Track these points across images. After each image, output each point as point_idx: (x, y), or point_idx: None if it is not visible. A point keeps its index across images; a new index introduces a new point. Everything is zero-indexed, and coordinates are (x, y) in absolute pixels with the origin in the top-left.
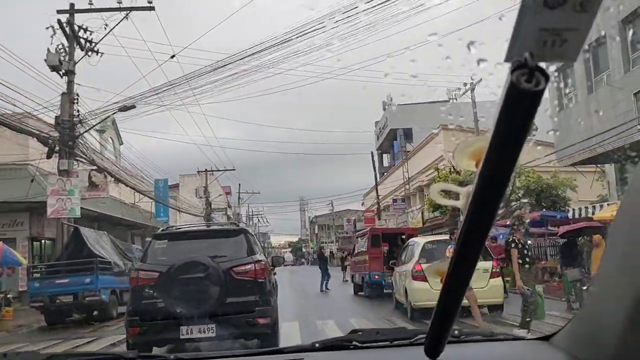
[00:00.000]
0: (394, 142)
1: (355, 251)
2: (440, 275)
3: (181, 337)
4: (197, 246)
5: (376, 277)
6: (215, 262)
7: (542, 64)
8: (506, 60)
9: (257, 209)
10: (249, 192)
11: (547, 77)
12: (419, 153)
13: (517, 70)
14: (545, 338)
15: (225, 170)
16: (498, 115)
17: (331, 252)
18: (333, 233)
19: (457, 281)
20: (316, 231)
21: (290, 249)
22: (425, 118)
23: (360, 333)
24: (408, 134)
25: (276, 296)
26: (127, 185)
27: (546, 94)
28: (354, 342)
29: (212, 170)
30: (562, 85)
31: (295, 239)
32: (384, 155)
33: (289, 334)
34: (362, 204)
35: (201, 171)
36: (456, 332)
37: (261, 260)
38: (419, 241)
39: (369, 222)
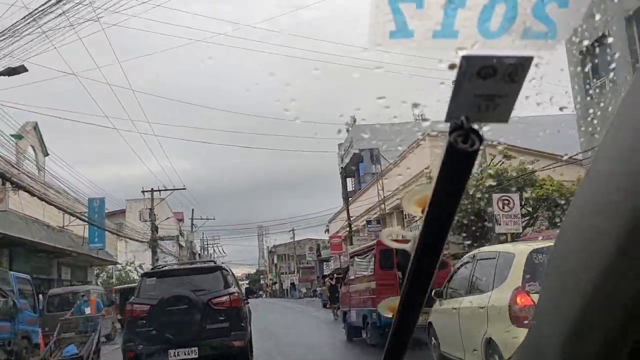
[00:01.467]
0: (359, 165)
1: (350, 277)
2: (393, 312)
3: (170, 359)
4: (181, 282)
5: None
6: (197, 295)
7: (477, 126)
8: (446, 121)
9: (213, 237)
10: (203, 217)
11: (480, 139)
12: (396, 168)
13: (455, 132)
14: None
15: (175, 189)
16: (439, 172)
17: (292, 284)
18: (294, 263)
19: (406, 319)
20: (275, 261)
21: (247, 281)
22: (392, 138)
23: None
24: (375, 155)
25: (250, 322)
26: (45, 201)
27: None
28: None
29: (160, 190)
30: (589, 69)
31: (253, 270)
32: (348, 179)
33: None
34: (326, 230)
35: (146, 191)
36: None
37: (234, 292)
38: (517, 250)
39: (336, 249)
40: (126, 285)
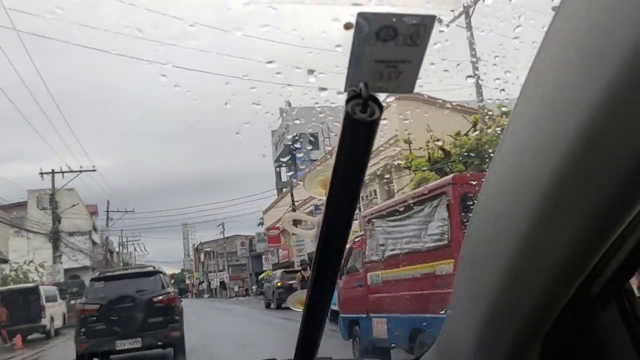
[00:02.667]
0: (294, 153)
1: (371, 257)
2: (303, 305)
3: (117, 348)
4: (125, 284)
5: None
6: (139, 294)
7: (379, 95)
8: (344, 90)
9: (133, 234)
10: (120, 210)
11: (381, 107)
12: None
13: (352, 101)
14: None
15: (82, 171)
16: (338, 145)
17: (222, 282)
18: (225, 260)
19: (315, 311)
20: (202, 259)
21: (172, 281)
22: (332, 120)
23: None
24: (313, 140)
25: (182, 316)
26: None
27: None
28: None
29: (63, 172)
30: None
31: (177, 270)
32: (282, 170)
33: None
34: (260, 223)
35: (45, 173)
36: None
37: (171, 292)
38: None
39: (274, 241)
40: (9, 287)
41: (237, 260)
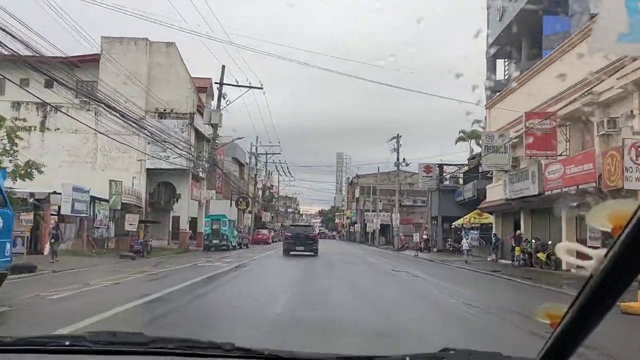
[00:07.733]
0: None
1: None
2: (551, 320)
3: (296, 249)
4: (301, 229)
5: None
6: (305, 232)
7: None
8: None
9: (271, 146)
10: (241, 84)
11: None
12: None
13: None
14: None
15: None
16: None
17: (384, 226)
18: (397, 195)
19: (581, 327)
20: (357, 195)
21: (320, 219)
22: None
23: (452, 352)
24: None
25: (318, 241)
26: None
27: None
28: None
29: None
30: None
31: (327, 207)
32: (499, 63)
33: None
34: (461, 137)
35: None
36: None
37: (316, 233)
38: None
39: (543, 146)
40: None
41: (400, 202)
